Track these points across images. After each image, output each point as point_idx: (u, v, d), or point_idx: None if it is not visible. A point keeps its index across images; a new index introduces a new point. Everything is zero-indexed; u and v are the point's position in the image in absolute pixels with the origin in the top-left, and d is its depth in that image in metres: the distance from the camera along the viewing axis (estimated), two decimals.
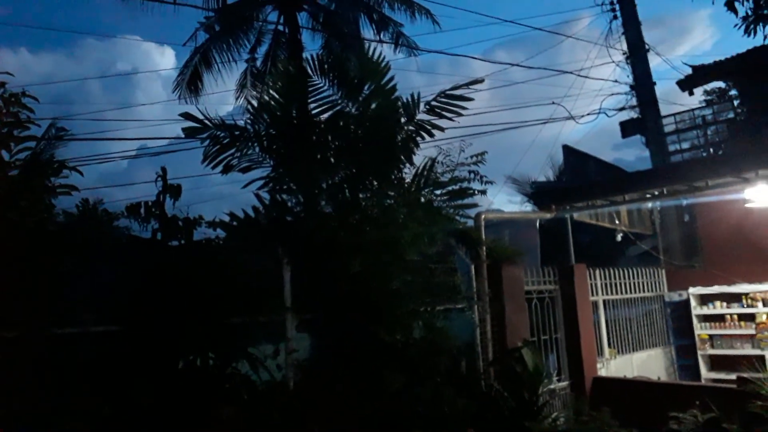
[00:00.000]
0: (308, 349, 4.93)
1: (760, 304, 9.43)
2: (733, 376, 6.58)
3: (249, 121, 5.03)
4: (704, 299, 10.10)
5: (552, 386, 7.27)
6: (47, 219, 3.74)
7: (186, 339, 3.86)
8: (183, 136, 4.85)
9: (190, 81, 13.21)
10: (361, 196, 4.92)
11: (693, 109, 13.38)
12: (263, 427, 3.69)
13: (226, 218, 4.59)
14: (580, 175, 11.31)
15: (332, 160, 5.03)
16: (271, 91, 5.09)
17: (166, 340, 3.74)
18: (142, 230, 4.15)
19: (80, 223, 3.94)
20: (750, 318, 9.54)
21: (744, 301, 9.63)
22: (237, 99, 14.06)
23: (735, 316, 9.70)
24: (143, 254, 3.99)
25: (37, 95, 3.83)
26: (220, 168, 4.85)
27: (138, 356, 3.67)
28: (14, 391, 3.23)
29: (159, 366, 3.69)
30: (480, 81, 5.10)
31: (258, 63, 13.77)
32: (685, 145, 13.42)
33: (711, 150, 12.97)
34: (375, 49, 5.03)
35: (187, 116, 4.68)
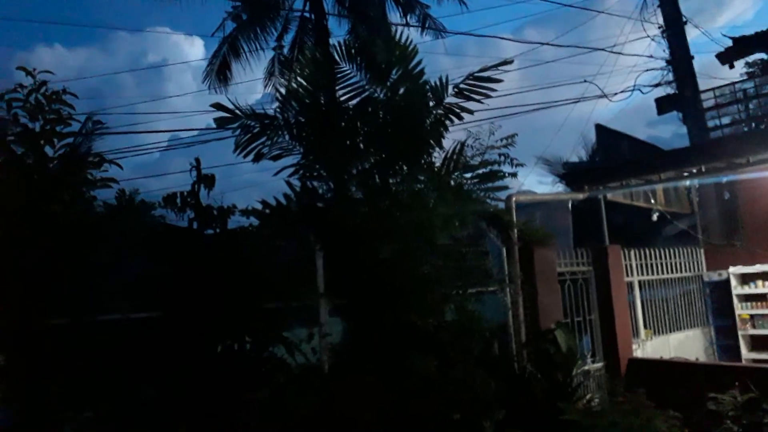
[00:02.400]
0: (341, 333, 5.02)
1: None
2: None
3: (278, 109, 5.09)
4: (745, 278, 9.82)
5: (586, 368, 7.22)
6: (89, 211, 3.89)
7: (223, 324, 3.98)
8: (213, 126, 4.96)
9: (219, 71, 13.40)
10: (390, 181, 4.94)
11: (734, 83, 12.86)
12: (300, 409, 3.79)
13: (259, 206, 4.68)
14: (614, 154, 11.05)
15: (361, 146, 5.05)
16: (299, 79, 5.12)
17: (205, 326, 3.87)
18: (178, 220, 4.27)
19: (120, 213, 4.08)
20: None
21: None
22: (265, 87, 14.21)
23: None
24: (181, 243, 4.12)
25: (72, 90, 3.97)
26: (251, 157, 4.94)
27: (178, 341, 3.81)
28: (64, 374, 3.40)
29: (198, 350, 3.83)
30: (509, 62, 5.02)
31: (285, 50, 13.86)
32: (726, 121, 12.93)
33: (753, 125, 12.48)
34: (402, 33, 5.00)
35: (218, 107, 4.76)
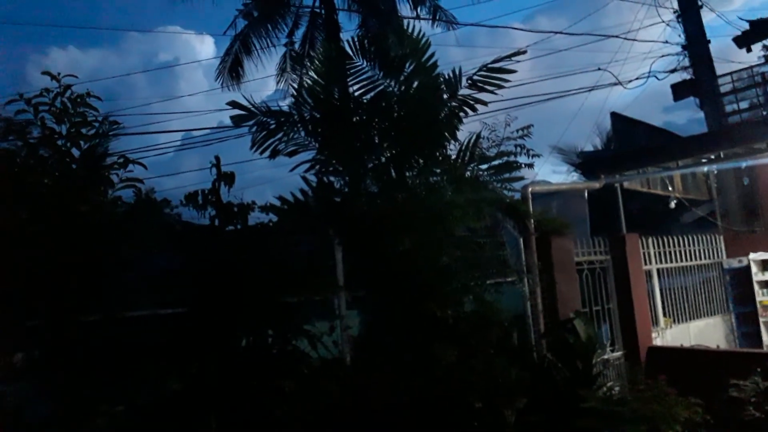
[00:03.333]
0: (360, 325, 5.08)
1: None
2: None
3: (292, 105, 5.14)
4: (766, 265, 9.70)
5: (606, 356, 7.22)
6: (114, 210, 3.99)
7: (246, 319, 4.06)
8: (226, 123, 5.03)
9: (231, 68, 13.49)
10: (407, 174, 4.97)
11: (751, 67, 12.64)
12: (324, 399, 3.87)
13: (276, 202, 4.74)
14: (629, 141, 10.96)
15: (376, 140, 5.09)
16: (312, 74, 5.17)
17: (229, 321, 3.95)
18: (199, 217, 4.35)
19: (142, 212, 4.17)
20: None
21: None
22: (278, 83, 14.27)
23: None
24: (204, 240, 4.20)
25: (90, 91, 4.05)
26: (266, 153, 5.01)
27: (203, 336, 3.90)
28: (97, 369, 3.51)
29: (223, 344, 3.91)
30: (522, 52, 5.01)
31: (296, 46, 13.89)
32: (744, 105, 12.74)
33: None
34: (414, 26, 5.02)
35: (234, 104, 4.82)
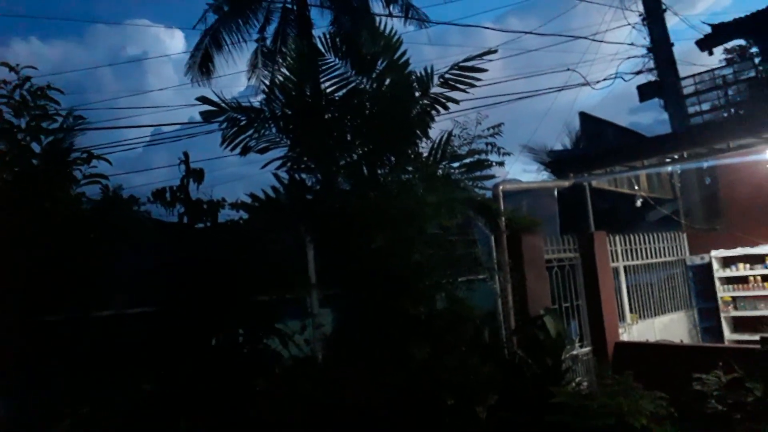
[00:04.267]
0: (333, 323, 5.05)
1: None
2: (757, 337, 6.58)
3: (264, 101, 5.07)
4: (727, 262, 10.02)
5: (574, 352, 7.35)
6: (78, 207, 3.87)
7: (217, 318, 4.00)
8: (196, 119, 4.94)
9: (201, 63, 13.26)
10: (379, 172, 4.96)
11: (713, 69, 13.04)
12: (296, 398, 3.83)
13: (247, 199, 4.67)
14: (598, 141, 11.18)
15: (349, 137, 5.07)
16: (284, 71, 5.13)
17: (199, 320, 3.88)
18: (168, 214, 4.26)
19: (109, 209, 4.05)
20: None
21: (767, 261, 9.54)
22: (249, 79, 14.08)
23: (758, 278, 9.62)
24: (172, 238, 4.11)
25: (52, 84, 3.91)
26: (237, 150, 4.93)
27: (173, 335, 3.82)
28: (62, 370, 3.39)
29: (194, 344, 3.84)
30: (493, 51, 5.06)
31: (268, 42, 13.73)
32: (706, 107, 13.13)
33: (732, 111, 12.68)
34: (386, 24, 5.01)
35: (203, 100, 4.74)
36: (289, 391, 3.82)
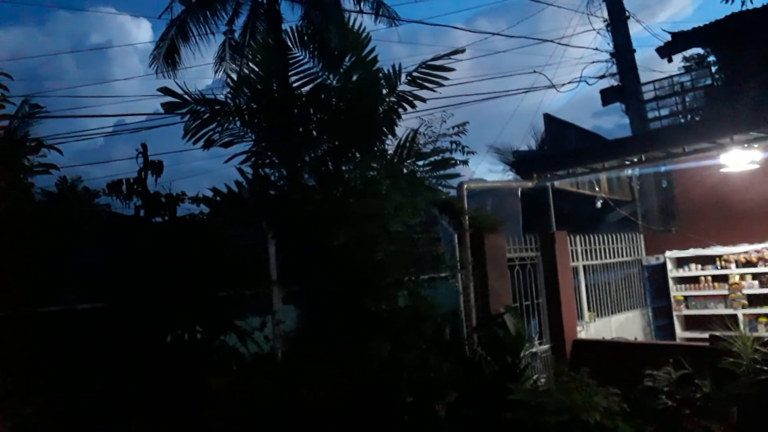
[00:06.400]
0: (295, 320, 5.02)
1: (733, 266, 9.75)
2: (707, 335, 6.85)
3: (229, 95, 4.99)
4: (680, 262, 10.40)
5: (534, 350, 7.50)
6: (26, 198, 3.72)
7: (173, 314, 3.91)
8: (161, 111, 4.82)
9: (167, 54, 12.95)
10: (344, 168, 4.94)
11: (672, 76, 13.46)
12: (254, 396, 3.79)
13: (209, 194, 4.60)
14: (561, 143, 11.41)
15: (314, 133, 5.03)
16: (250, 64, 5.04)
17: (154, 316, 3.78)
18: (124, 207, 4.15)
19: (61, 201, 3.92)
20: (723, 279, 9.87)
21: (718, 263, 9.95)
22: (216, 72, 13.82)
23: (709, 278, 10.03)
24: (127, 231, 4.00)
25: (6, 70, 3.75)
26: (200, 143, 4.84)
27: (126, 332, 3.72)
28: (4, 368, 3.26)
29: (148, 341, 3.74)
30: (461, 51, 5.10)
31: (236, 35, 13.50)
32: (664, 112, 13.53)
33: (689, 116, 13.13)
34: (355, 20, 4.99)
35: (165, 91, 4.62)
36: (246, 388, 3.77)
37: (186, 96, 4.64)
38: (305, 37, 4.91)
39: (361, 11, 13.35)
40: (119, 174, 4.22)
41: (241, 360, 4.04)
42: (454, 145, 5.18)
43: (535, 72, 13.88)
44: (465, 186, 7.18)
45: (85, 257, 3.85)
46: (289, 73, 5.04)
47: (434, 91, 5.03)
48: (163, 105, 4.68)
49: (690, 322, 10.27)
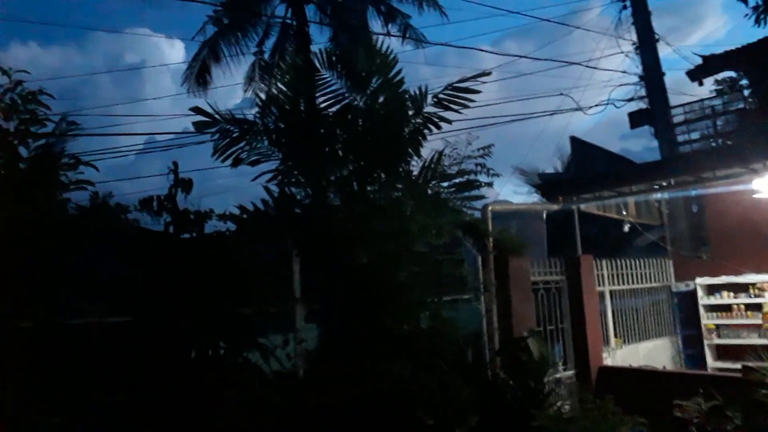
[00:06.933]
0: (316, 339, 5.03)
1: (767, 294, 9.43)
2: (739, 366, 6.63)
3: (258, 114, 5.10)
4: (711, 289, 10.11)
5: (558, 375, 7.35)
6: (62, 213, 3.84)
7: (198, 329, 3.96)
8: (191, 129, 4.95)
9: (198, 74, 13.34)
10: (368, 188, 4.98)
11: (702, 100, 13.28)
12: (274, 413, 3.79)
13: (236, 211, 4.68)
14: (588, 166, 11.32)
15: (340, 153, 5.10)
16: (279, 85, 5.15)
17: (179, 331, 3.84)
18: (154, 223, 4.24)
19: (93, 216, 4.03)
20: (757, 308, 9.55)
21: (751, 291, 9.63)
22: (245, 92, 14.18)
23: (742, 306, 9.71)
24: (156, 247, 4.08)
25: (47, 89, 3.92)
26: (228, 161, 4.94)
27: (151, 346, 3.77)
28: (32, 379, 3.34)
29: (172, 355, 3.79)
30: (487, 74, 5.13)
31: (266, 56, 13.86)
32: (695, 136, 13.33)
33: (721, 141, 12.89)
34: (383, 42, 5.08)
35: (197, 110, 4.76)
36: (267, 405, 3.78)
37: (216, 115, 4.77)
38: (333, 59, 5.00)
39: (388, 33, 13.58)
40: (147, 189, 4.32)
41: (262, 377, 4.06)
42: (479, 167, 5.19)
43: (561, 94, 13.83)
44: (489, 208, 7.17)
45: (116, 271, 3.94)
46: (317, 94, 5.13)
47: (460, 112, 5.06)
48: (194, 124, 4.81)
49: (721, 352, 9.93)
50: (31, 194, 3.64)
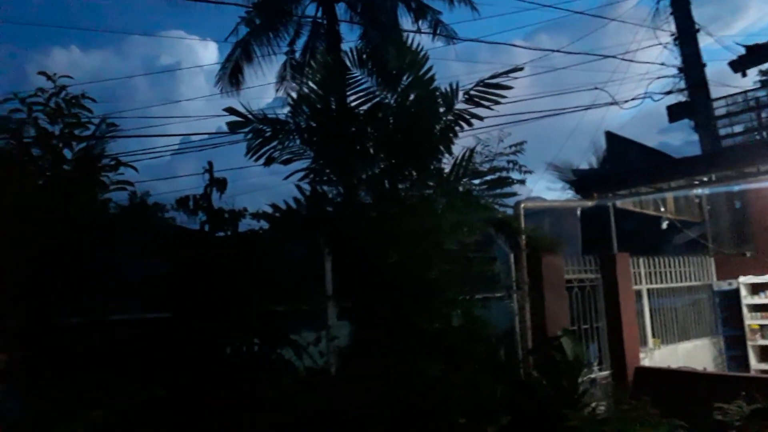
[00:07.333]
0: (348, 336, 5.07)
1: None
2: None
3: (289, 113, 5.16)
4: (755, 288, 9.75)
5: (593, 375, 7.22)
6: (103, 213, 3.98)
7: (233, 326, 4.04)
8: (224, 129, 5.05)
9: (231, 74, 13.56)
10: (400, 186, 4.98)
11: (746, 91, 12.77)
12: (306, 409, 3.85)
13: (269, 210, 4.74)
14: (624, 161, 11.02)
15: (371, 151, 5.11)
16: (310, 84, 5.19)
17: (215, 327, 3.93)
18: (190, 222, 4.35)
19: (133, 215, 4.15)
20: None
21: None
22: (277, 91, 14.34)
23: None
24: (192, 245, 4.18)
25: (88, 92, 4.06)
26: (261, 160, 5.02)
27: (188, 342, 3.87)
28: (75, 373, 3.47)
29: (208, 351, 3.89)
30: (519, 69, 5.06)
31: (297, 55, 13.99)
32: (738, 129, 12.84)
33: (765, 134, 12.39)
34: (413, 39, 5.06)
35: (230, 111, 4.84)
36: (299, 401, 3.84)
37: (249, 115, 4.84)
38: (364, 57, 5.01)
39: (419, 30, 13.52)
40: (182, 189, 4.43)
41: (295, 373, 4.12)
42: (511, 164, 5.13)
43: (596, 88, 13.50)
44: (522, 205, 7.07)
45: (153, 269, 4.06)
46: (348, 92, 5.15)
47: (491, 109, 5.00)
48: (228, 124, 4.90)
49: (766, 353, 9.58)
50: (75, 195, 3.78)
